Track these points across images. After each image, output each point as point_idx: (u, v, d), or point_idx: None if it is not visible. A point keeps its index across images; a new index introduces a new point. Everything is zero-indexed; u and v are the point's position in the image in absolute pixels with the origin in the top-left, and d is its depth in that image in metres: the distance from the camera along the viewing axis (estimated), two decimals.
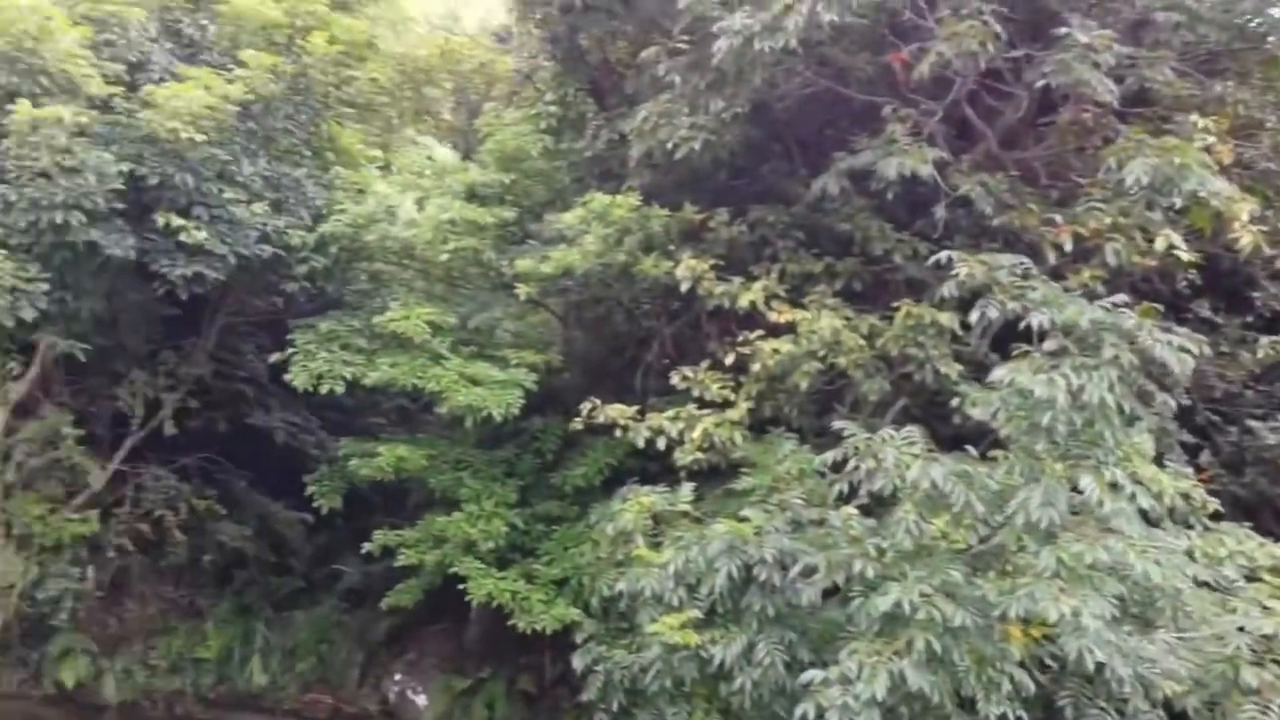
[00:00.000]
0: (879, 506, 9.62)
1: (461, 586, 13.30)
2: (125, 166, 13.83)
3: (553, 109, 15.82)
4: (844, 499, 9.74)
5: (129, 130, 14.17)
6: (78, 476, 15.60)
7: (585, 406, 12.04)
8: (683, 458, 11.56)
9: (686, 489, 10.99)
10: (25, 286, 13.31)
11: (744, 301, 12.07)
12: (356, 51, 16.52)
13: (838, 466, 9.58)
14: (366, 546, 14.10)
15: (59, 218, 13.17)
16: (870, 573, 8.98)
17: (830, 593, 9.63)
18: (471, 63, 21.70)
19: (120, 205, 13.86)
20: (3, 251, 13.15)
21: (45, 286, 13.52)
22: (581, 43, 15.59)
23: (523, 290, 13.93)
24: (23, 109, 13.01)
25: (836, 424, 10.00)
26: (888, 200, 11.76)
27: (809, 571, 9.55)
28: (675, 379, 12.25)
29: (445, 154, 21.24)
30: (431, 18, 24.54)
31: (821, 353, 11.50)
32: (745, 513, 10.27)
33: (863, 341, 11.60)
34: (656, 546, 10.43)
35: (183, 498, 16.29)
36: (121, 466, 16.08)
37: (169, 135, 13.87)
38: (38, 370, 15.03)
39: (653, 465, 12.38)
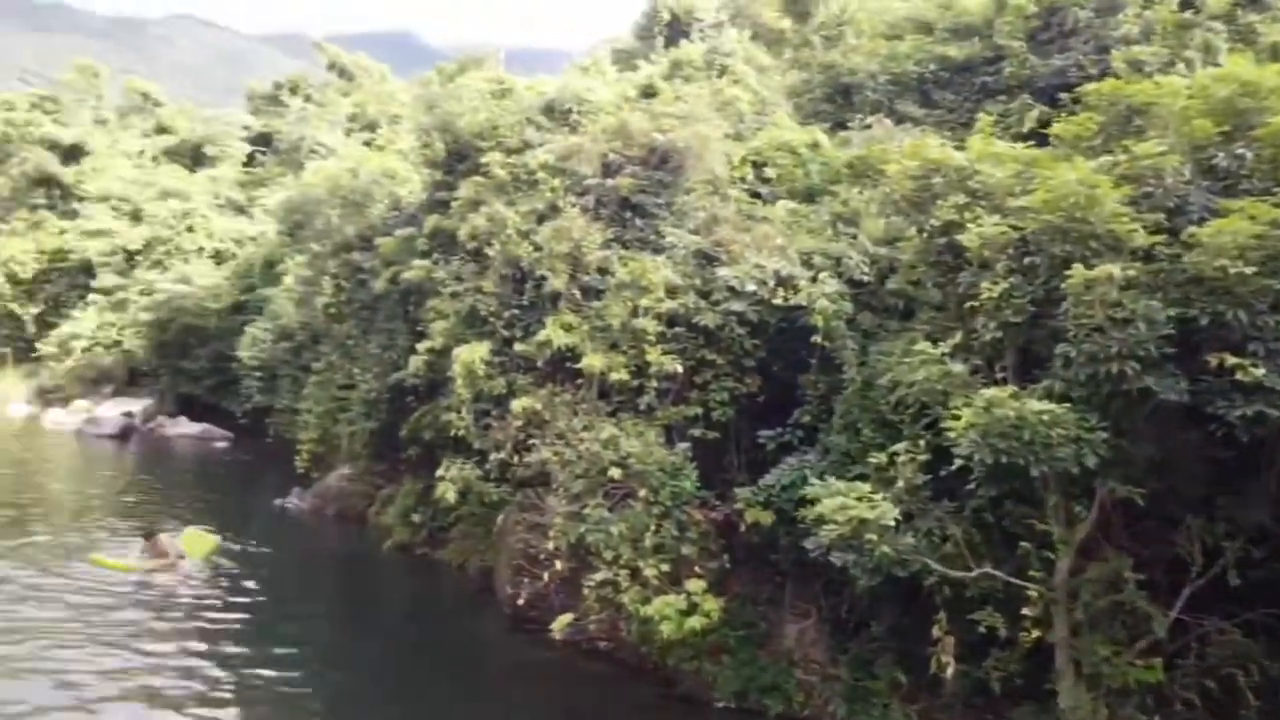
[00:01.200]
0: None
1: None
2: (1173, 311, 13.97)
3: None
4: None
5: (1172, 275, 14.32)
6: (1138, 621, 15.57)
7: None
8: None
9: None
10: (1087, 435, 14.22)
11: None
12: None
13: None
14: None
15: (1115, 368, 13.88)
16: None
17: None
18: None
19: (1169, 349, 13.98)
20: (1066, 404, 14.33)
21: (1103, 434, 14.25)
22: None
23: None
24: (1077, 273, 14.20)
25: None
26: None
27: None
28: None
29: None
30: None
31: None
32: None
33: None
34: None
35: (1251, 657, 15.01)
36: (1181, 615, 15.62)
37: (1215, 273, 13.62)
38: (1096, 514, 15.74)
39: None
